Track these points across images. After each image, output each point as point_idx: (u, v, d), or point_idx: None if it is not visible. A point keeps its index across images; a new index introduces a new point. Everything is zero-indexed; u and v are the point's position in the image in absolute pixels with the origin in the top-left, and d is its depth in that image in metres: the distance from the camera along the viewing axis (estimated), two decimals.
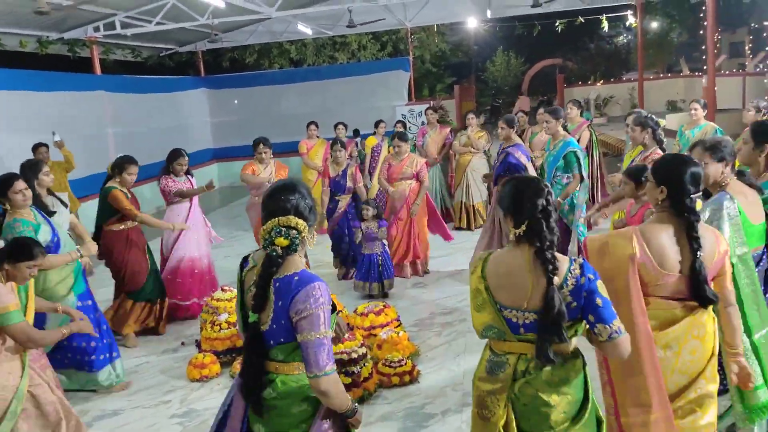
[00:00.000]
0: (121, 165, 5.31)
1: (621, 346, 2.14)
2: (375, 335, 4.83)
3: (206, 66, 15.53)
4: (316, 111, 12.90)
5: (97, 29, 10.73)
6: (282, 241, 2.12)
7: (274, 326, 2.13)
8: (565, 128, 5.83)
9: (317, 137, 9.59)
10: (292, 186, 2.23)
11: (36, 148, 7.71)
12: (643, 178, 3.83)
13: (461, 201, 8.68)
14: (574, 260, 2.21)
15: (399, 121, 9.60)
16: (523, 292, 2.18)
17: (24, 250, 3.28)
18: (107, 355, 4.58)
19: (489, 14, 13.60)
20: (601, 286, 2.17)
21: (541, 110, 8.43)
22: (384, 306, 5.15)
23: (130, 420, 4.22)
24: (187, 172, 6.09)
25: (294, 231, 2.15)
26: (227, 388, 4.49)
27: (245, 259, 2.33)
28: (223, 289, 5.55)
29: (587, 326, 2.19)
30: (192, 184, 6.09)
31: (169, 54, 14.53)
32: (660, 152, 4.69)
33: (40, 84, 9.57)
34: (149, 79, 13.23)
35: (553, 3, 12.87)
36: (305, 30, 13.35)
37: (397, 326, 5.03)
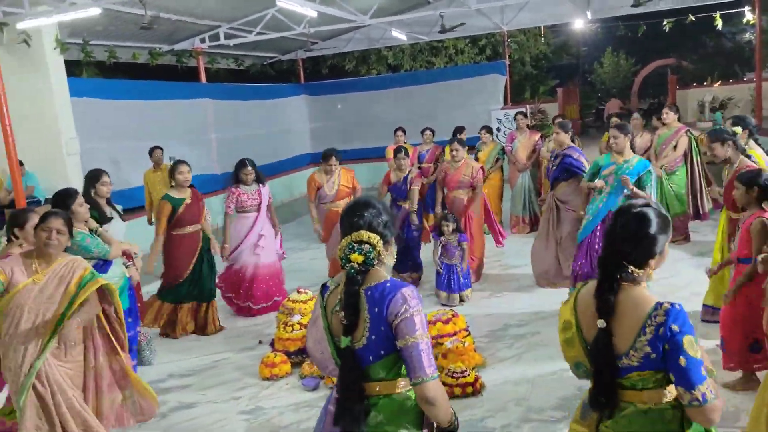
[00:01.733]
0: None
1: (706, 415, 1.90)
2: (441, 344, 4.80)
3: (306, 73, 16.07)
4: (411, 116, 12.96)
5: (203, 40, 11.40)
6: (357, 257, 2.12)
7: (373, 337, 2.08)
8: (631, 144, 5.57)
9: (404, 143, 9.66)
10: (365, 203, 2.23)
11: (152, 150, 8.31)
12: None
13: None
14: (661, 304, 1.97)
15: (427, 128, 9.42)
16: (595, 332, 2.06)
17: (12, 217, 3.87)
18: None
19: (589, 15, 13.11)
20: (689, 343, 1.90)
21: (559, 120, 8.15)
22: (453, 315, 5.11)
23: (201, 413, 4.45)
24: (258, 180, 6.33)
25: (367, 246, 2.14)
26: (296, 388, 4.68)
27: (324, 286, 2.32)
28: (299, 291, 5.72)
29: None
30: (260, 194, 6.33)
31: (271, 62, 15.15)
32: (750, 164, 4.35)
33: (151, 93, 10.31)
34: (251, 87, 13.87)
35: (660, 2, 12.21)
36: (400, 36, 13.47)
37: (465, 336, 4.97)
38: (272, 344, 5.36)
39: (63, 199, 4.28)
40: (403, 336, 2.04)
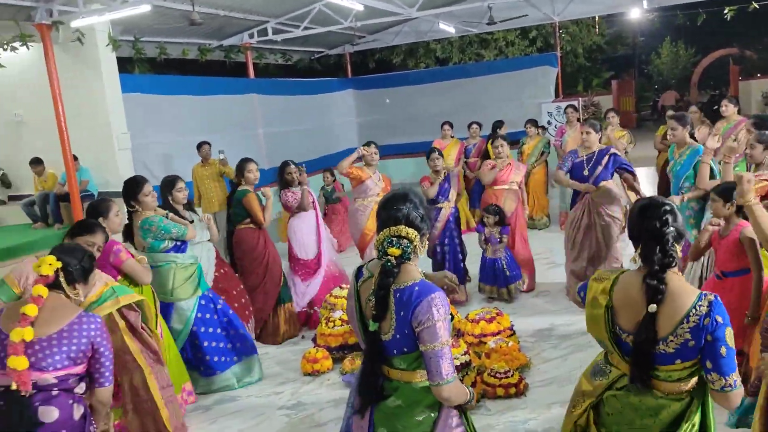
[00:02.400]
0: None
1: (732, 399, 2.06)
2: (484, 343, 4.69)
3: (353, 67, 16.04)
4: (460, 109, 12.78)
5: (251, 36, 11.50)
6: (394, 251, 2.16)
7: (397, 336, 2.16)
8: (692, 135, 5.26)
9: (451, 137, 9.54)
10: (403, 195, 2.26)
11: (200, 145, 8.44)
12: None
13: None
14: (705, 295, 2.06)
15: (474, 122, 9.14)
16: (636, 317, 2.14)
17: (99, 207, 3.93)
18: (227, 358, 4.70)
19: (645, 5, 12.61)
20: (729, 334, 2.03)
21: (611, 114, 7.71)
22: (497, 314, 4.99)
23: (243, 407, 4.48)
24: (303, 182, 6.06)
25: (405, 240, 2.18)
26: (336, 384, 4.66)
27: (359, 270, 2.38)
28: (341, 287, 5.71)
29: (701, 368, 2.09)
30: (310, 195, 6.10)
31: (318, 57, 15.19)
32: None
33: (201, 88, 10.46)
34: (298, 82, 13.92)
35: None
36: (448, 29, 13.28)
37: (509, 335, 4.85)
38: (314, 339, 5.35)
39: (131, 188, 4.30)
40: (425, 342, 2.11)
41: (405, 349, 2.18)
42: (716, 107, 7.51)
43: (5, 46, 7.30)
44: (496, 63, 16.00)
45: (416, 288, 2.15)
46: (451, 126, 9.56)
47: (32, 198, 8.02)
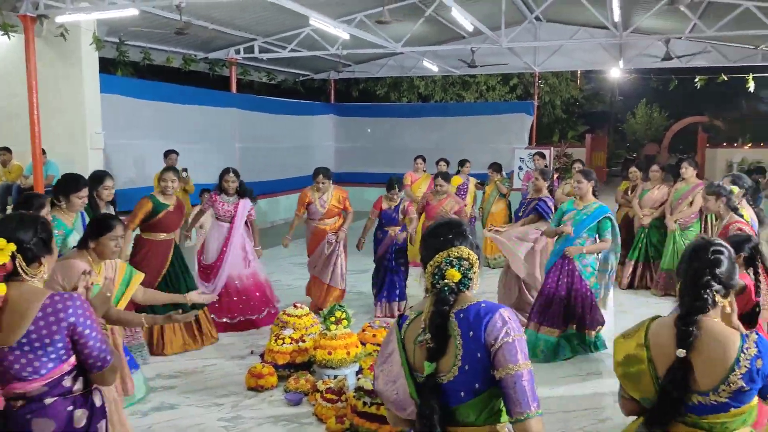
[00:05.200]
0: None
1: None
2: None
3: (337, 94, 16.28)
4: (436, 146, 13.00)
5: (237, 51, 11.64)
6: (454, 274, 1.91)
7: (466, 367, 1.81)
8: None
9: (423, 171, 9.72)
10: (457, 222, 2.06)
11: (167, 154, 8.47)
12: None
13: None
14: (747, 336, 1.95)
15: (442, 159, 9.45)
16: (669, 363, 2.01)
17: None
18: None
19: (622, 65, 13.14)
20: None
21: (577, 164, 8.17)
22: None
23: (182, 415, 4.45)
24: (242, 195, 6.16)
25: (466, 263, 1.95)
26: (278, 401, 4.66)
27: (401, 317, 2.07)
28: (295, 306, 5.73)
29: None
30: (236, 208, 6.12)
31: (302, 80, 15.39)
32: (740, 220, 4.42)
33: (182, 97, 10.53)
34: (280, 101, 14.06)
35: (692, 58, 12.21)
36: (431, 67, 13.62)
37: None
38: (262, 355, 5.36)
39: (71, 185, 4.24)
40: (503, 365, 1.78)
41: (477, 386, 1.81)
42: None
43: None
44: (475, 105, 16.40)
45: (482, 305, 1.88)
46: (424, 160, 9.76)
47: None
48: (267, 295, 6.48)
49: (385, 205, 6.89)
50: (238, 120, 11.97)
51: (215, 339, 5.93)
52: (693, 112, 26.46)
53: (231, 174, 6.14)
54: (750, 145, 21.28)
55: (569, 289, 5.44)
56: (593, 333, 5.50)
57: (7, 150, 7.88)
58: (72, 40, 7.64)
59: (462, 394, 1.82)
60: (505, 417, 1.89)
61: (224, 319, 6.20)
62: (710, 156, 20.73)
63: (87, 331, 2.10)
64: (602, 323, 5.53)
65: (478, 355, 1.80)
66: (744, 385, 1.88)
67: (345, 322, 4.99)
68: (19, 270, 2.10)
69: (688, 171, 7.35)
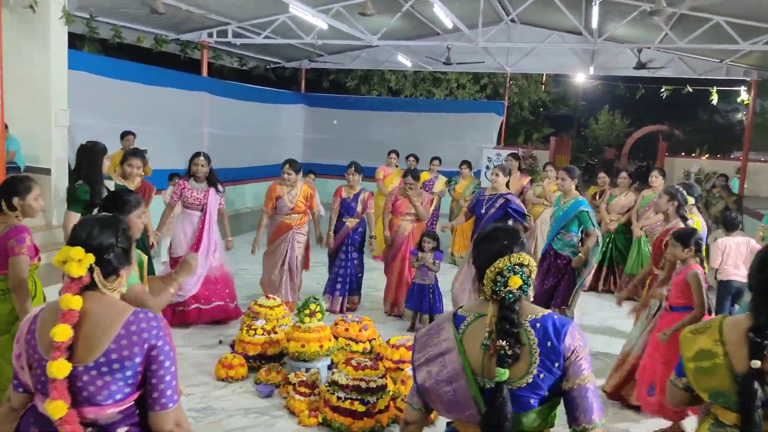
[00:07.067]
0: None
1: None
2: (402, 369, 4.77)
3: (307, 84, 16.12)
4: (404, 141, 12.99)
5: (210, 35, 11.40)
6: (516, 281, 1.92)
7: (541, 376, 1.85)
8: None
9: (396, 166, 9.72)
10: (514, 229, 2.08)
11: (124, 135, 8.22)
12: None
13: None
14: None
15: (411, 155, 9.49)
16: (741, 368, 2.01)
17: (17, 183, 3.37)
18: None
19: (592, 71, 13.37)
20: None
21: (549, 167, 8.32)
22: None
23: None
24: (212, 183, 5.99)
25: (527, 269, 1.96)
26: (249, 393, 4.61)
27: (456, 316, 2.03)
28: (267, 297, 5.68)
29: None
30: (207, 196, 5.98)
31: (273, 68, 15.19)
32: (682, 226, 4.65)
33: (151, 78, 10.22)
34: (250, 88, 13.83)
35: (662, 69, 12.51)
36: (405, 62, 13.61)
37: None
38: (232, 346, 5.29)
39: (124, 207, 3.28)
40: (579, 374, 1.86)
41: (547, 394, 1.87)
42: (645, 177, 8.03)
43: None
44: (446, 102, 16.46)
45: (555, 316, 1.93)
46: (398, 155, 9.76)
47: None
48: (230, 289, 6.28)
49: (344, 194, 6.90)
50: (209, 105, 11.72)
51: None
52: (653, 120, 27.13)
53: (201, 158, 5.95)
54: (707, 155, 21.97)
55: (558, 280, 5.67)
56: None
57: None
58: (41, 13, 7.32)
59: (531, 401, 1.87)
60: (552, 424, 1.95)
61: (194, 305, 5.96)
62: (669, 164, 21.31)
63: (162, 358, 1.85)
64: (567, 305, 5.72)
65: (556, 365, 1.86)
66: None
67: (319, 315, 4.97)
68: (98, 284, 1.91)
69: (657, 180, 7.54)
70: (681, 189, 4.97)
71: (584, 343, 1.91)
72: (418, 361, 2.03)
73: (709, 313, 4.10)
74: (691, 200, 4.98)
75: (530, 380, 1.86)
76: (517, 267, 1.94)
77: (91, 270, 1.88)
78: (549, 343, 1.87)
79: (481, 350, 1.90)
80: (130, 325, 1.85)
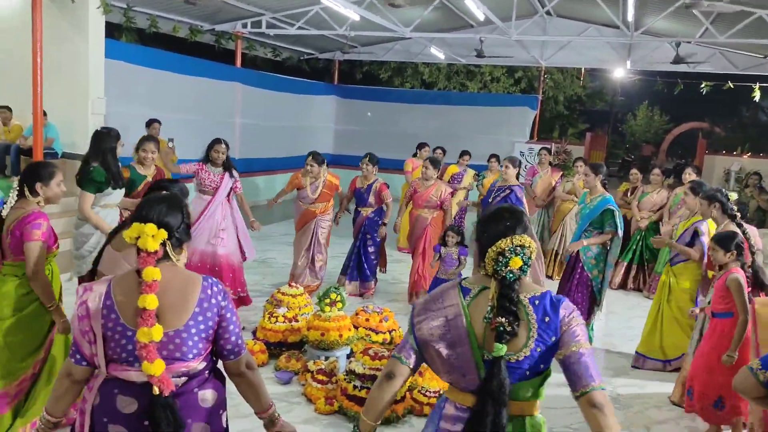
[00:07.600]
0: None
1: None
2: None
3: (340, 75, 16.17)
4: (437, 134, 12.94)
5: (244, 26, 11.53)
6: (517, 261, 2.00)
7: (537, 350, 1.95)
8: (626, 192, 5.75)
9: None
10: (515, 209, 2.14)
11: (150, 123, 8.35)
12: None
13: (554, 249, 8.39)
14: None
15: (439, 147, 9.42)
16: None
17: (40, 168, 3.43)
18: None
19: (629, 65, 13.11)
20: None
21: (579, 163, 8.13)
22: None
23: None
24: (227, 169, 5.92)
25: (528, 251, 2.03)
26: (269, 380, 4.67)
27: (462, 287, 2.10)
28: (290, 285, 5.75)
29: None
30: (222, 180, 5.87)
31: (307, 59, 15.28)
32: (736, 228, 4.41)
33: (186, 68, 10.43)
34: (283, 79, 13.95)
35: (701, 64, 12.20)
36: (438, 54, 13.54)
37: None
38: (254, 332, 5.37)
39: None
40: (570, 343, 1.95)
41: (542, 366, 1.98)
42: (680, 174, 7.84)
43: None
44: (479, 95, 16.33)
45: (550, 294, 2.04)
46: (429, 148, 9.71)
47: None
48: (236, 277, 6.07)
49: (358, 183, 7.02)
50: (241, 95, 11.88)
51: None
52: (693, 116, 26.48)
53: (222, 144, 5.93)
54: (749, 154, 21.32)
55: (570, 278, 5.55)
56: (587, 324, 5.60)
57: (8, 109, 7.80)
58: (80, 3, 7.54)
59: (527, 373, 1.97)
60: (541, 395, 2.04)
61: None
62: (708, 163, 20.71)
63: (230, 315, 2.15)
64: (592, 314, 5.63)
65: (553, 339, 1.96)
66: None
67: (339, 305, 5.01)
68: (171, 256, 2.14)
69: (691, 177, 7.34)
70: (717, 187, 4.85)
71: (579, 316, 2.01)
72: (419, 322, 2.08)
73: None
74: (734, 196, 4.77)
75: (528, 354, 1.96)
76: (518, 248, 2.01)
77: (163, 244, 2.10)
78: (547, 319, 1.97)
79: (484, 322, 1.99)
80: (206, 289, 2.13)
